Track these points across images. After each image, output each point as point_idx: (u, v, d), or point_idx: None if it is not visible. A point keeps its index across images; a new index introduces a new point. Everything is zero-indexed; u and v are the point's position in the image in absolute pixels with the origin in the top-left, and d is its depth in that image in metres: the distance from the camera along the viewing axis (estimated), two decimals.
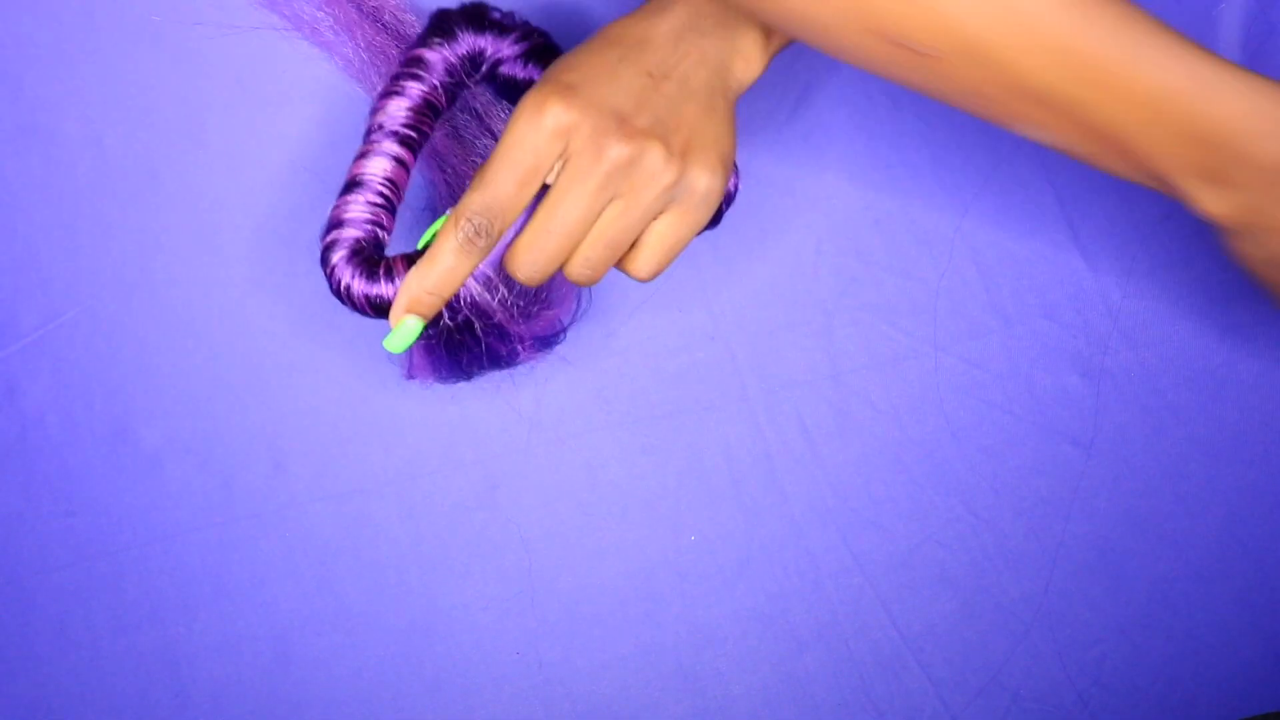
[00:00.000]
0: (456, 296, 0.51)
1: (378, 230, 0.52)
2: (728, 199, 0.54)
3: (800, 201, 0.63)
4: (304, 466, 0.61)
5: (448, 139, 0.59)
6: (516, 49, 0.55)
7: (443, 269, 0.49)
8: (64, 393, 0.60)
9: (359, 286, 0.50)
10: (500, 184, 0.47)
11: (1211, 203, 0.46)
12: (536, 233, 0.48)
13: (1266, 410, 0.64)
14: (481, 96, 0.59)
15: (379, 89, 0.55)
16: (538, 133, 0.47)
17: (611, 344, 0.62)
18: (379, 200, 0.52)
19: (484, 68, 0.55)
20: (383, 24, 0.58)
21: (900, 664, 0.63)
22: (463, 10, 0.55)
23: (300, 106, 0.60)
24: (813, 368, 0.63)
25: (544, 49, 0.56)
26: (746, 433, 0.62)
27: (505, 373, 0.60)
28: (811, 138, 0.63)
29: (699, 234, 0.51)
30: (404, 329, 0.50)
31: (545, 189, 0.48)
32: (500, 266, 0.51)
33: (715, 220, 0.53)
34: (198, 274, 0.60)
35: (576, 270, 0.50)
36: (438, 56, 0.53)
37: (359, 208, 0.52)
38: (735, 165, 0.53)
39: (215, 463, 0.60)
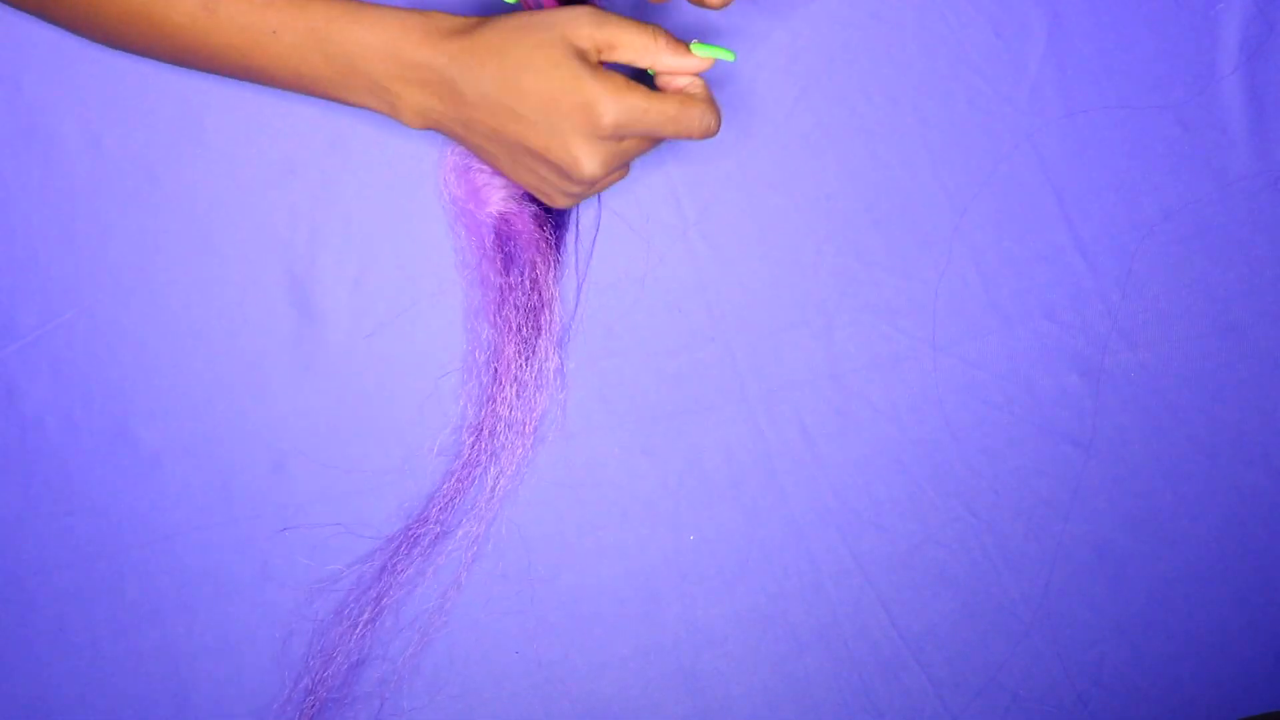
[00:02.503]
0: None
1: None
2: None
3: (800, 202, 0.63)
4: (304, 466, 0.61)
5: None
6: None
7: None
8: (63, 393, 0.60)
9: None
10: None
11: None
12: None
13: (1266, 410, 0.64)
14: None
15: None
16: None
17: (611, 344, 0.62)
18: None
19: None
20: None
21: (900, 664, 0.63)
22: None
23: (300, 107, 0.60)
24: (813, 368, 0.63)
25: None
26: (746, 433, 0.62)
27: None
28: (811, 138, 0.63)
29: None
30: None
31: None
32: None
33: None
34: (196, 274, 0.60)
35: None
36: None
37: None
38: None
39: (215, 463, 0.60)
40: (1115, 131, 0.64)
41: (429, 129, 0.56)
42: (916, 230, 0.63)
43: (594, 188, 0.56)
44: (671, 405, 0.62)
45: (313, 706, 0.60)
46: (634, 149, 0.54)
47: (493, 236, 0.60)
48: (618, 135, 0.52)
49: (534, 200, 0.60)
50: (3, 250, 0.60)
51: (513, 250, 0.60)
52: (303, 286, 0.61)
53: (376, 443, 0.61)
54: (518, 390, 0.60)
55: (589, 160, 0.52)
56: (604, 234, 0.62)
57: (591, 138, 0.52)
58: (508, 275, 0.60)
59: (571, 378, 0.62)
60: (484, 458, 0.60)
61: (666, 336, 0.62)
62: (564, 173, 0.53)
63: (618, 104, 0.51)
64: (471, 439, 0.60)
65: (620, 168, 0.56)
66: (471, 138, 0.55)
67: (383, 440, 0.61)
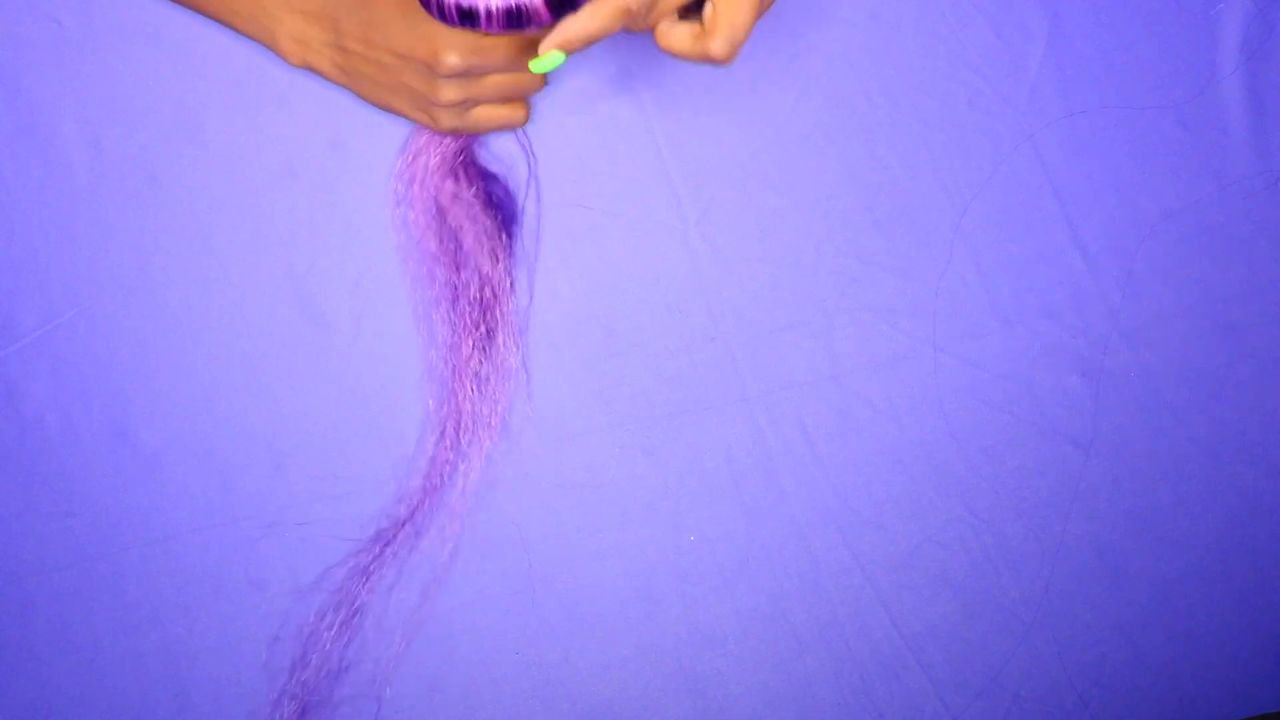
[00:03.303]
0: None
1: None
2: None
3: (800, 202, 0.63)
4: (304, 466, 0.61)
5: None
6: None
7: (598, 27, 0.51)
8: (64, 393, 0.60)
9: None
10: None
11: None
12: None
13: (1266, 410, 0.64)
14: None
15: None
16: None
17: (611, 344, 0.62)
18: None
19: None
20: None
21: (901, 664, 0.63)
22: None
23: (299, 107, 0.60)
24: (813, 368, 0.63)
25: None
26: (746, 433, 0.63)
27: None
28: (811, 138, 0.63)
29: None
30: (551, 58, 0.53)
31: None
32: None
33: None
34: (196, 275, 0.60)
35: None
36: None
37: None
38: None
39: (215, 463, 0.60)
40: (1115, 131, 0.64)
41: (304, 65, 0.57)
42: (916, 230, 0.63)
43: (464, 96, 0.55)
44: (671, 405, 0.62)
45: (311, 707, 0.60)
46: (498, 56, 0.54)
47: (437, 240, 0.60)
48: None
49: (475, 179, 0.60)
50: (3, 250, 0.60)
51: (461, 249, 0.60)
52: (303, 286, 0.61)
53: (377, 443, 0.61)
54: (476, 385, 0.60)
55: (448, 47, 0.53)
56: (602, 234, 0.62)
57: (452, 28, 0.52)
58: (459, 273, 0.60)
59: (572, 378, 0.62)
60: (451, 454, 0.60)
61: (666, 336, 0.62)
62: (428, 68, 0.54)
63: None
64: (434, 437, 0.61)
65: (500, 99, 0.56)
66: (345, 61, 0.56)
67: (383, 440, 0.61)
